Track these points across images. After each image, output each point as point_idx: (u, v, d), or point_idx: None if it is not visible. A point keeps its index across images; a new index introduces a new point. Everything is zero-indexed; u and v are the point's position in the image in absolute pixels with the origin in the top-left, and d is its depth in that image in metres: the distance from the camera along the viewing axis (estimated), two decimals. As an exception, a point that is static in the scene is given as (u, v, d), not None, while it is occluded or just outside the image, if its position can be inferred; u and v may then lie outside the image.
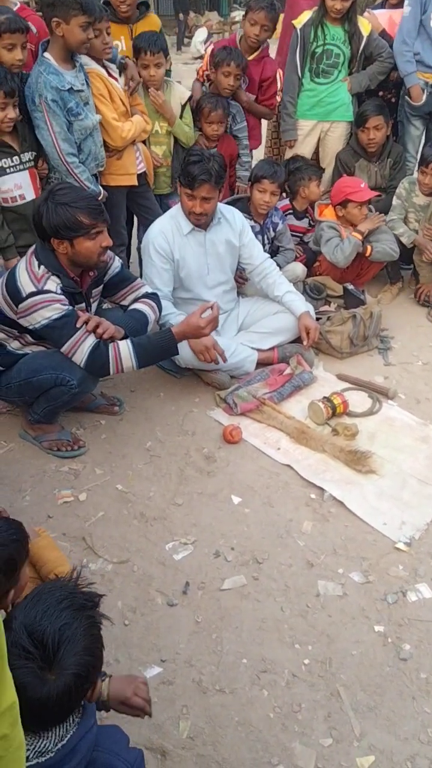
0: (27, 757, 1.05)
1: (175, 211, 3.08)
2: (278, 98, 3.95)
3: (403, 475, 2.57)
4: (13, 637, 1.06)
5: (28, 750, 1.06)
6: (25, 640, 1.06)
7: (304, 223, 3.94)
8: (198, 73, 3.93)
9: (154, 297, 2.74)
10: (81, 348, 2.38)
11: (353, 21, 3.74)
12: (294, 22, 3.83)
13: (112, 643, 1.91)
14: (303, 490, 2.52)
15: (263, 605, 2.04)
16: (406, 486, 2.51)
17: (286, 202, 3.87)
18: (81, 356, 2.39)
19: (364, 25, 3.81)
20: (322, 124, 4.00)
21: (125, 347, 2.43)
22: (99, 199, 2.73)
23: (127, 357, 2.43)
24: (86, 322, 2.38)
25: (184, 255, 3.04)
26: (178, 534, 2.31)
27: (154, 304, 2.70)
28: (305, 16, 3.79)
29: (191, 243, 3.04)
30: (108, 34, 3.03)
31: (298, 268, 3.65)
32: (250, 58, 3.71)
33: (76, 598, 1.17)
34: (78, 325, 2.37)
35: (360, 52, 3.81)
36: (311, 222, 3.95)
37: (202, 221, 2.99)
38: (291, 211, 3.88)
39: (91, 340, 2.39)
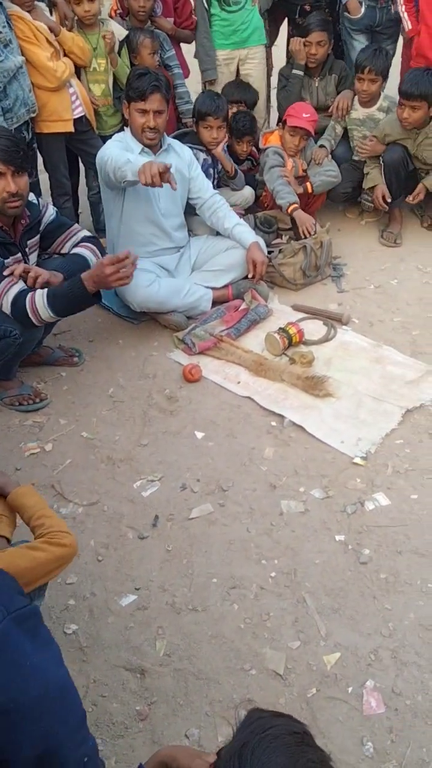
0: None
1: (122, 135, 3.02)
2: (194, 17, 3.80)
3: (358, 395, 2.64)
4: None
5: None
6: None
7: (244, 166, 3.85)
8: (111, 13, 3.78)
9: (92, 240, 2.71)
10: (6, 298, 2.37)
11: None
12: None
13: (88, 578, 1.99)
14: (264, 419, 2.58)
15: (230, 528, 2.13)
16: (362, 405, 2.59)
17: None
18: (6, 306, 2.38)
19: None
20: (239, 52, 3.84)
21: (39, 297, 2.38)
22: None
23: (41, 306, 2.38)
24: (13, 272, 2.36)
25: None
26: (145, 472, 2.37)
27: (94, 246, 2.67)
28: None
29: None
30: None
31: (247, 191, 3.68)
32: None
33: None
34: (5, 274, 2.35)
35: None
36: (254, 162, 3.87)
37: (154, 139, 2.92)
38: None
39: (15, 290, 2.37)
